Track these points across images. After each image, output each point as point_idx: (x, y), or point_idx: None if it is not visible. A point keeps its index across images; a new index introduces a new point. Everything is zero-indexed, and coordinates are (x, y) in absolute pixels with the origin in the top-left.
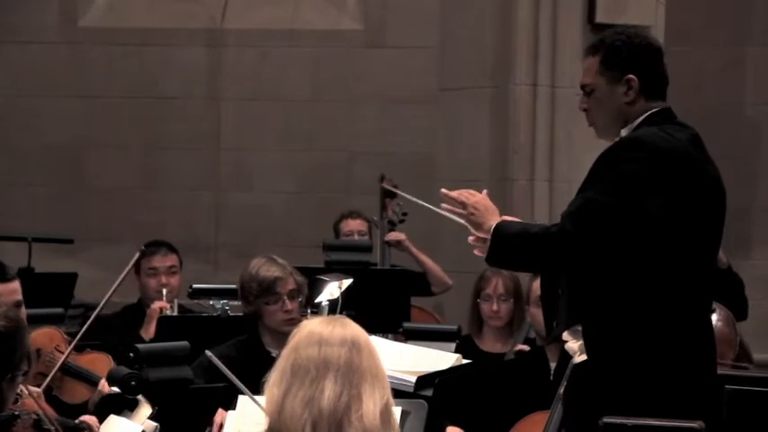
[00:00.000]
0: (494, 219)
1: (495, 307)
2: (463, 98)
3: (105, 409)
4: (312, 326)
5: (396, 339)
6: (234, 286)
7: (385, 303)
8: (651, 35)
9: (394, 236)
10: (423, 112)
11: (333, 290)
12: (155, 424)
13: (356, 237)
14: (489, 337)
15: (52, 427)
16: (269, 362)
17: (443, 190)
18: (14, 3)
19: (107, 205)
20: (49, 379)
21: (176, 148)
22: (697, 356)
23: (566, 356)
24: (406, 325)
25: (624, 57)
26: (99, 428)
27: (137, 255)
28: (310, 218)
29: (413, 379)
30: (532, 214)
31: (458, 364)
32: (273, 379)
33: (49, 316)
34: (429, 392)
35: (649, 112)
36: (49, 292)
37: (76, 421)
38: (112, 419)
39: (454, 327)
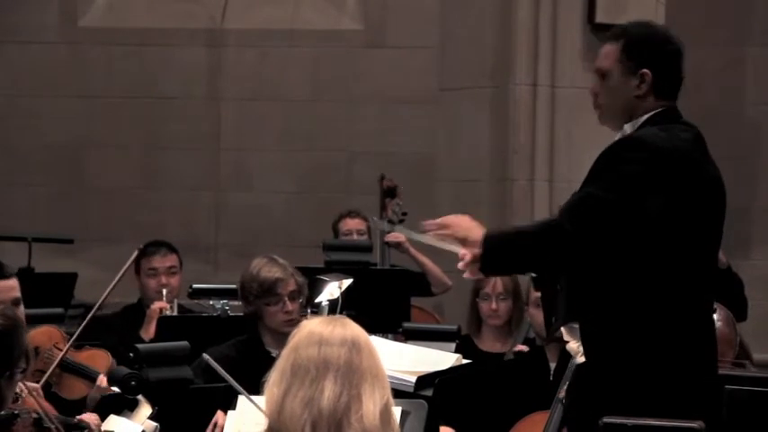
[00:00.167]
0: (479, 231)
1: (494, 306)
2: (463, 98)
3: (105, 409)
4: (312, 326)
5: (396, 339)
6: (234, 286)
7: (385, 303)
8: (673, 33)
9: (393, 237)
10: (423, 112)
11: (333, 290)
12: (155, 424)
13: (355, 236)
14: (488, 336)
15: (52, 426)
16: (269, 362)
17: (425, 224)
18: (14, 3)
19: (107, 205)
20: (47, 375)
21: (176, 148)
22: (698, 356)
23: (565, 356)
24: (406, 325)
25: (644, 50)
26: (100, 426)
27: (134, 254)
28: (310, 218)
29: (413, 379)
30: (532, 214)
31: (458, 364)
32: (273, 379)
33: (49, 316)
34: (429, 392)
35: (654, 112)
36: (49, 292)
37: (76, 419)
38: (112, 419)
39: (454, 327)
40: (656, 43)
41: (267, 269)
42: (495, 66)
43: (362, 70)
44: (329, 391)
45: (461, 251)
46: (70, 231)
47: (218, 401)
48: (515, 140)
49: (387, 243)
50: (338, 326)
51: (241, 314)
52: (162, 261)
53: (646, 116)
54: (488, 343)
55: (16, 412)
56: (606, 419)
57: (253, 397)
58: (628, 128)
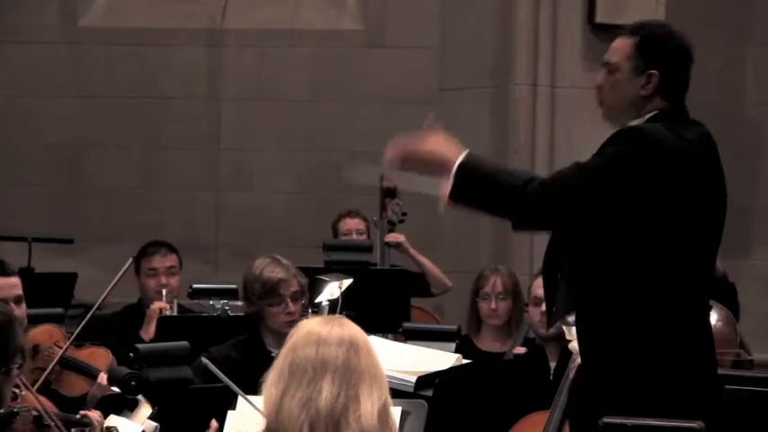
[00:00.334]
0: (454, 155)
1: (493, 305)
2: (463, 98)
3: (105, 409)
4: (310, 326)
5: (396, 339)
6: (234, 286)
7: (385, 303)
8: (686, 37)
9: (393, 237)
10: (423, 112)
11: (333, 290)
12: (155, 424)
13: (354, 236)
14: (488, 336)
15: (53, 423)
16: (270, 362)
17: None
18: (14, 3)
19: (107, 205)
20: (47, 372)
21: (176, 148)
22: (697, 356)
23: (565, 356)
24: (406, 325)
25: (656, 51)
26: (103, 424)
27: (129, 261)
28: (310, 218)
29: (413, 379)
30: None
31: (458, 364)
32: (271, 379)
33: (49, 316)
34: (429, 392)
35: (659, 109)
36: (49, 292)
37: (79, 414)
38: (112, 419)
39: (454, 327)
40: (670, 46)
41: (270, 269)
42: (495, 66)
43: (362, 70)
44: (327, 392)
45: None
46: (70, 231)
47: (218, 401)
48: (515, 140)
49: (387, 243)
50: (336, 326)
51: (241, 314)
52: (162, 261)
53: (650, 114)
54: (488, 343)
55: (15, 410)
56: (606, 419)
57: (252, 397)
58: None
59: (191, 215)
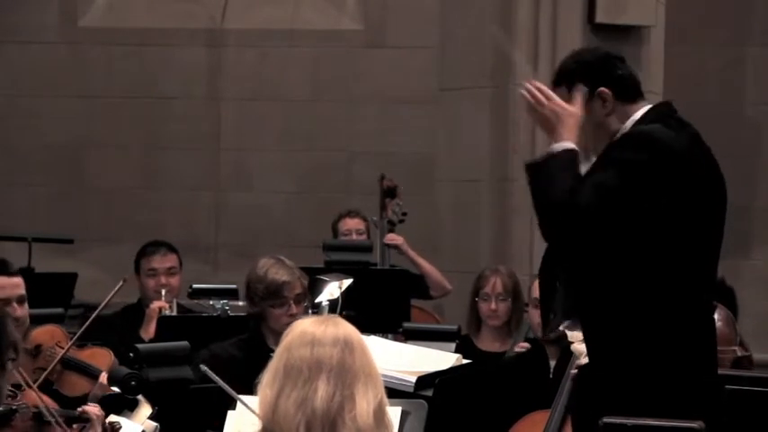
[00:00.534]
0: (568, 136)
1: (493, 306)
2: (463, 98)
3: (105, 409)
4: (305, 325)
5: (396, 339)
6: (234, 286)
7: (385, 303)
8: (603, 47)
9: (392, 239)
10: (423, 112)
11: (333, 290)
12: (155, 424)
13: (354, 236)
14: (487, 336)
15: (53, 420)
16: None
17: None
18: (14, 3)
19: (107, 205)
20: (47, 372)
21: (176, 148)
22: (699, 356)
23: (565, 355)
24: (406, 325)
25: (586, 73)
26: (102, 418)
27: (120, 283)
28: (310, 218)
29: (413, 379)
30: (532, 214)
31: (458, 364)
32: (266, 380)
33: (50, 316)
34: (429, 392)
35: (645, 110)
36: (49, 292)
37: (78, 411)
38: (112, 419)
39: (454, 327)
40: (591, 61)
41: (274, 271)
42: (495, 66)
43: (362, 70)
44: (322, 391)
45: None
46: (70, 231)
47: (218, 401)
48: (515, 140)
49: (386, 244)
50: (330, 325)
51: (241, 314)
52: (162, 261)
53: (633, 119)
54: (488, 343)
55: (14, 407)
56: (606, 419)
57: (250, 398)
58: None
59: (191, 215)
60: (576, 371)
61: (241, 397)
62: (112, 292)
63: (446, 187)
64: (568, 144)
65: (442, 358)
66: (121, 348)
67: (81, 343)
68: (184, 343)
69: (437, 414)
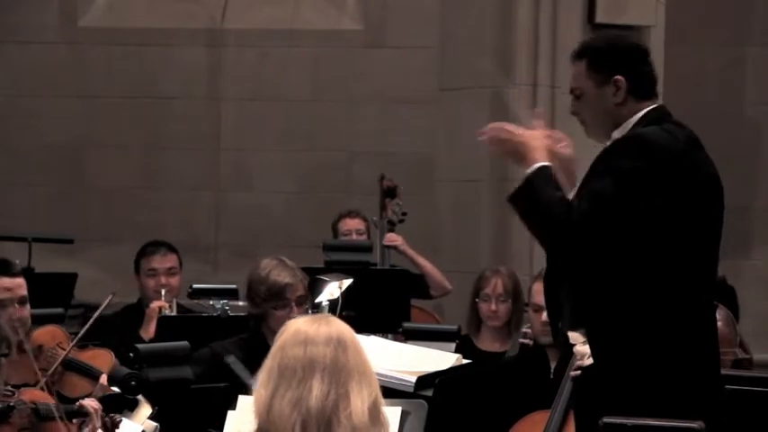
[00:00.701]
0: (539, 157)
1: (493, 307)
2: (463, 98)
3: (105, 409)
4: (298, 324)
5: (396, 339)
6: (234, 286)
7: (385, 303)
8: (635, 36)
9: (390, 240)
10: (423, 112)
11: (333, 290)
12: (155, 424)
13: (354, 236)
14: (487, 336)
15: (57, 414)
16: None
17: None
18: (14, 3)
19: (107, 205)
20: (49, 373)
21: (176, 148)
22: (701, 357)
23: (566, 356)
24: (406, 325)
25: (609, 58)
26: (99, 411)
27: (109, 297)
28: (310, 218)
29: (413, 379)
30: None
31: (458, 364)
32: (261, 380)
33: (50, 316)
34: (429, 392)
35: (645, 111)
36: (49, 292)
37: (77, 405)
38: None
39: (454, 327)
40: (619, 48)
41: (277, 273)
42: (495, 66)
43: (362, 70)
44: (317, 390)
45: None
46: (70, 231)
47: (219, 401)
48: None
49: (386, 246)
50: (323, 324)
51: (241, 314)
52: (161, 261)
53: (634, 119)
54: (488, 343)
55: (12, 404)
56: (606, 419)
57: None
58: (616, 134)
59: (191, 215)
60: (577, 371)
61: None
62: (102, 306)
63: (446, 187)
64: (541, 163)
65: (441, 358)
66: (121, 348)
67: (82, 344)
68: (184, 343)
69: (437, 414)
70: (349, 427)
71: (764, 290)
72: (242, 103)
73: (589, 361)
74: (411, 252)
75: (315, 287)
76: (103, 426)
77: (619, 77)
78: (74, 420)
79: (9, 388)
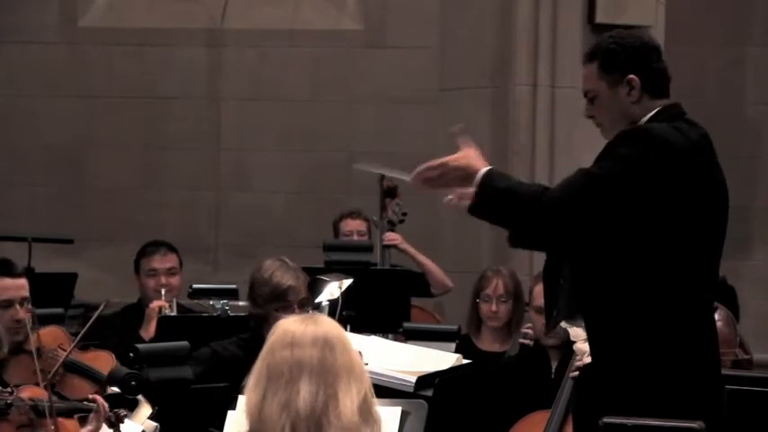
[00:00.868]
0: (479, 163)
1: (494, 307)
2: (463, 98)
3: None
4: (287, 325)
5: (396, 339)
6: (234, 286)
7: (385, 303)
8: (646, 34)
9: (390, 239)
10: (423, 112)
11: (333, 290)
12: (155, 424)
13: (356, 237)
14: (487, 336)
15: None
16: None
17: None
18: (14, 3)
19: (107, 205)
20: (51, 374)
21: (176, 148)
22: (701, 356)
23: (567, 356)
24: (406, 325)
25: (621, 58)
26: (106, 407)
27: (103, 304)
28: (310, 218)
29: (413, 379)
30: None
31: (458, 364)
32: (251, 382)
33: (50, 316)
34: (429, 392)
35: (657, 109)
36: (49, 292)
37: (90, 396)
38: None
39: (454, 327)
40: (631, 47)
41: (280, 275)
42: (495, 66)
43: (362, 70)
44: (305, 392)
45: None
46: (70, 231)
47: (219, 401)
48: (515, 141)
49: (385, 246)
50: (310, 324)
51: (241, 314)
52: (161, 261)
53: (648, 116)
54: (488, 343)
55: (9, 402)
56: (606, 419)
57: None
58: None
59: (191, 215)
60: (576, 372)
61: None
62: (96, 313)
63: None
64: (484, 168)
65: (441, 358)
66: (121, 348)
67: (84, 344)
68: (184, 343)
69: (437, 414)
70: (339, 428)
71: (764, 290)
72: (242, 103)
73: (589, 359)
74: (411, 250)
75: (315, 287)
76: (108, 421)
77: (632, 76)
78: (75, 416)
79: (9, 389)
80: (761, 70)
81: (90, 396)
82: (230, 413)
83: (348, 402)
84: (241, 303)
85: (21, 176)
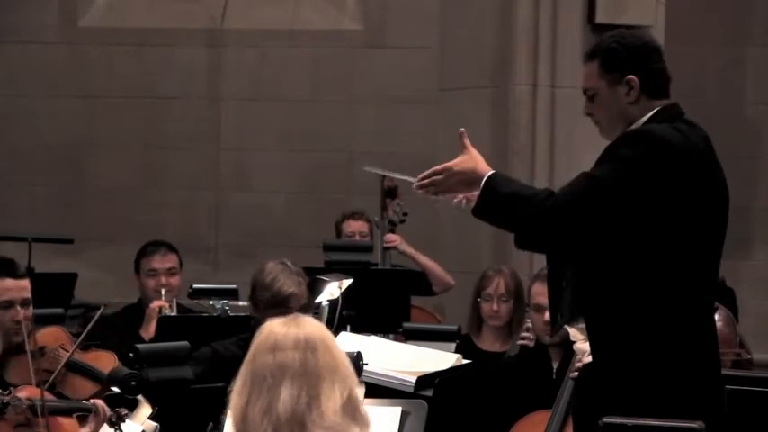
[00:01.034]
0: (483, 167)
1: (495, 307)
2: (463, 98)
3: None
4: (271, 327)
5: (396, 339)
6: (234, 286)
7: (385, 303)
8: (647, 34)
9: (389, 239)
10: (423, 112)
11: (333, 290)
12: (155, 424)
13: (358, 238)
14: (488, 336)
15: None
16: None
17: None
18: (14, 3)
19: (107, 205)
20: (55, 374)
21: (176, 148)
22: (702, 357)
23: (568, 355)
24: (406, 325)
25: (622, 58)
26: (106, 410)
27: (102, 308)
28: (310, 218)
29: (413, 379)
30: None
31: (458, 364)
32: (236, 387)
33: (50, 316)
34: (429, 392)
35: (656, 110)
36: (49, 292)
37: (91, 401)
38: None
39: (454, 327)
40: (631, 47)
41: (282, 281)
42: (495, 66)
43: (362, 70)
44: (285, 395)
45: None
46: (70, 231)
47: (219, 401)
48: (515, 141)
49: (385, 247)
50: (293, 326)
51: (241, 314)
52: (162, 261)
53: (647, 116)
54: (488, 342)
55: (6, 401)
56: (606, 419)
57: None
58: None
59: (191, 215)
60: (575, 373)
61: None
62: (97, 314)
63: None
64: (488, 172)
65: (442, 358)
66: (122, 348)
67: (85, 344)
68: (184, 343)
69: (437, 414)
70: (322, 427)
71: (764, 290)
72: (242, 103)
73: (589, 358)
74: (411, 250)
75: (315, 287)
76: (109, 420)
77: (631, 77)
78: (74, 415)
79: (8, 390)
80: (761, 70)
81: (96, 401)
82: (230, 412)
83: (330, 403)
84: (241, 303)
85: (21, 176)
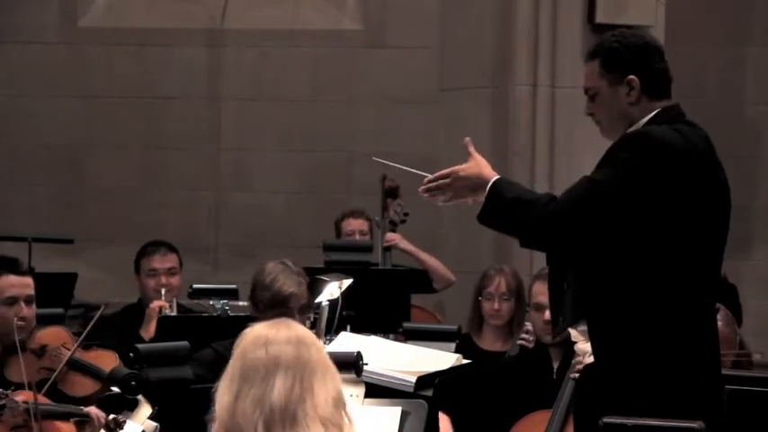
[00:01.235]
0: (488, 172)
1: (496, 306)
2: (463, 98)
3: (105, 410)
4: (257, 330)
5: (396, 339)
6: (234, 286)
7: (385, 303)
8: (649, 34)
9: (388, 238)
10: (423, 112)
11: (333, 290)
12: (155, 424)
13: (357, 236)
14: (489, 335)
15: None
16: None
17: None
18: (14, 3)
19: (107, 205)
20: (56, 373)
21: (176, 148)
22: (702, 357)
23: (569, 355)
24: (406, 325)
25: (623, 58)
26: (101, 419)
27: (102, 307)
28: (310, 218)
29: (413, 379)
30: None
31: (458, 364)
32: (222, 387)
33: (50, 316)
34: (429, 392)
35: (657, 111)
36: (49, 292)
37: (85, 410)
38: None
39: (454, 327)
40: (633, 47)
41: (282, 281)
42: (495, 66)
43: (362, 70)
44: (279, 386)
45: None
46: (70, 231)
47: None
48: (515, 141)
49: (385, 247)
50: (283, 327)
51: (241, 314)
52: (162, 261)
53: (647, 117)
54: (489, 342)
55: (3, 404)
56: (606, 419)
57: None
58: None
59: (191, 215)
60: (576, 373)
61: None
62: (98, 314)
63: None
64: (493, 177)
65: (441, 358)
66: (122, 348)
67: (87, 343)
68: (184, 343)
69: (437, 414)
70: (316, 418)
71: (764, 290)
72: (242, 103)
73: (590, 359)
74: (411, 248)
75: (315, 287)
76: (107, 427)
77: (632, 77)
78: (72, 420)
79: (6, 392)
80: (761, 70)
81: (84, 410)
82: (214, 424)
83: (324, 394)
84: (241, 303)
85: (21, 176)
